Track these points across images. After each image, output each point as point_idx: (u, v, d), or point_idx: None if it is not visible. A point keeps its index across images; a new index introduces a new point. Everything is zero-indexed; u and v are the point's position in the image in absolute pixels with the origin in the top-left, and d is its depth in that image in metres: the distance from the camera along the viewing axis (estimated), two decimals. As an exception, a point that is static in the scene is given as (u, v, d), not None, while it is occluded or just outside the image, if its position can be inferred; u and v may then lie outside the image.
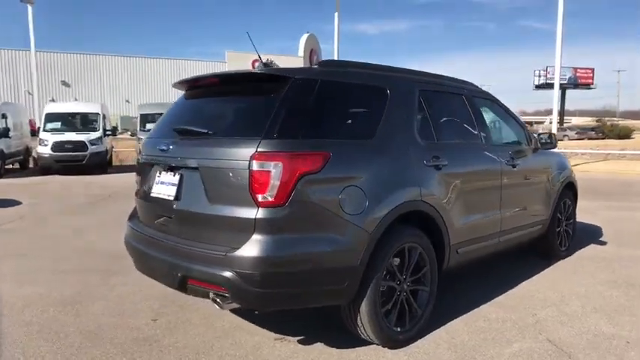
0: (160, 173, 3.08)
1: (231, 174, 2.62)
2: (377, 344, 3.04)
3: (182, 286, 2.79)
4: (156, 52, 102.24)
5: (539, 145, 4.68)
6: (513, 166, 4.18)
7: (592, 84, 61.91)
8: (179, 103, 3.49)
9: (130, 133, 19.54)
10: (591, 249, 5.66)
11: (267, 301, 2.65)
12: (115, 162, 18.63)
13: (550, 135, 4.73)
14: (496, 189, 3.95)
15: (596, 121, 55.52)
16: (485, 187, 3.84)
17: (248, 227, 2.55)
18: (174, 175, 2.95)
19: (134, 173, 3.66)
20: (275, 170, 2.50)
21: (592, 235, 6.30)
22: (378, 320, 2.91)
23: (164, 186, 3.00)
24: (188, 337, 3.25)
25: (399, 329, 3.06)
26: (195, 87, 3.42)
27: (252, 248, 2.52)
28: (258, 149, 2.53)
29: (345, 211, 2.71)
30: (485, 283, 4.32)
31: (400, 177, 3.05)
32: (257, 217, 2.52)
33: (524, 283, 4.38)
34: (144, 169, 3.33)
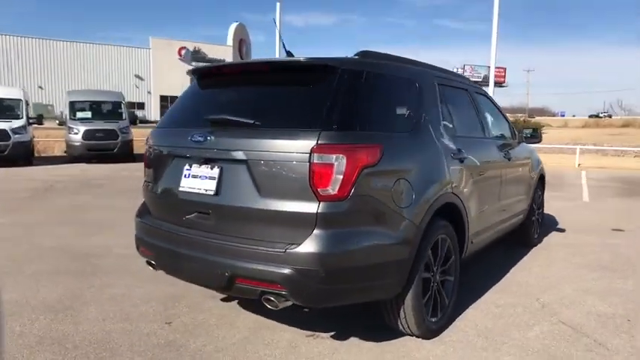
0: (189, 166, 2.85)
1: (287, 167, 2.49)
2: (414, 336, 3.06)
3: (228, 286, 2.62)
4: (71, 35, 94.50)
5: (523, 139, 4.95)
6: (508, 159, 4.39)
7: (504, 82, 66.46)
8: (197, 92, 3.26)
9: (57, 122, 17.92)
10: (555, 236, 6.11)
11: (327, 297, 2.57)
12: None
13: (535, 129, 5.01)
14: (497, 180, 4.12)
15: (529, 116, 60.47)
16: (491, 179, 3.99)
17: (308, 222, 2.45)
18: (211, 169, 2.74)
19: (143, 166, 3.37)
20: (337, 163, 2.42)
21: (551, 223, 6.80)
22: (421, 312, 2.93)
23: (198, 180, 2.79)
24: (214, 340, 3.06)
25: (433, 319, 3.11)
26: (220, 74, 3.20)
27: (314, 244, 2.43)
28: (319, 141, 2.43)
29: (397, 204, 2.70)
30: (479, 273, 4.49)
31: (436, 170, 3.08)
32: (319, 211, 2.43)
33: (512, 270, 4.63)
34: (161, 162, 3.08)
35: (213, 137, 2.72)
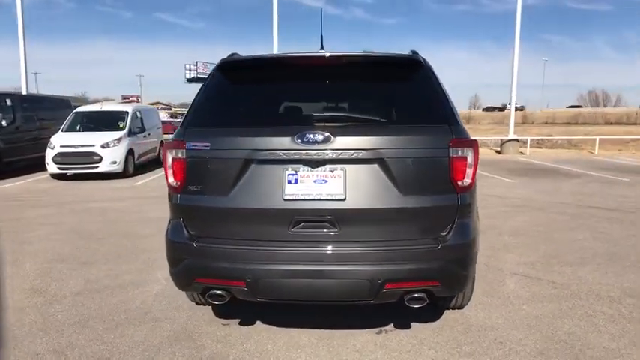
0: (294, 171, 2.49)
1: (428, 163, 2.51)
2: (460, 308, 3.44)
3: (377, 293, 2.46)
4: None
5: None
6: None
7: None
8: (255, 84, 2.85)
9: None
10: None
11: (466, 283, 2.70)
12: None
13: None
14: None
15: None
16: None
17: (451, 214, 2.55)
18: (332, 171, 2.47)
19: (173, 176, 2.67)
20: (469, 156, 2.58)
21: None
22: (473, 284, 3.32)
23: (314, 185, 2.47)
24: (306, 362, 2.77)
25: (466, 290, 3.54)
26: (289, 66, 2.79)
27: (460, 234, 2.56)
28: (454, 136, 2.54)
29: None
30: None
31: None
32: (459, 203, 2.56)
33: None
34: (230, 168, 2.56)
35: (333, 137, 2.46)
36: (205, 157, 2.60)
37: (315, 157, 2.49)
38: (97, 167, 11.09)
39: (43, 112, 13.76)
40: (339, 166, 2.51)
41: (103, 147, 11.18)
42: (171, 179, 2.69)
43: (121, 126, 12.15)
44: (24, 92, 16.67)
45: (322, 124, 2.55)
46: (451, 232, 2.56)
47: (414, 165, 2.52)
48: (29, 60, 16.73)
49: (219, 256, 2.57)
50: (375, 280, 2.45)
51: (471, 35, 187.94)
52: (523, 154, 18.13)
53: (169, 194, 2.77)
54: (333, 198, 2.49)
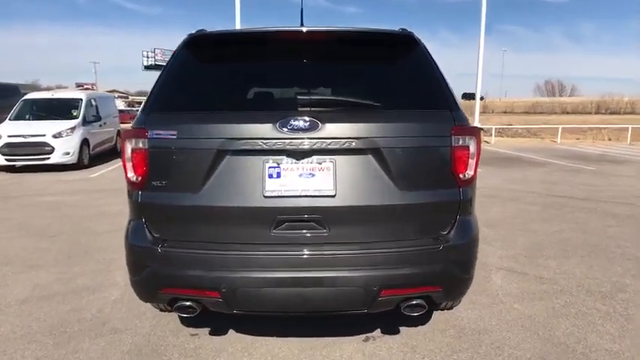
0: (276, 163, 2.14)
1: (428, 153, 2.22)
2: (450, 309, 3.18)
3: (371, 302, 2.15)
4: None
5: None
6: None
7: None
8: (226, 63, 2.49)
9: None
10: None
11: (467, 287, 2.43)
12: None
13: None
14: None
15: None
16: None
17: (453, 210, 2.28)
18: (320, 163, 2.14)
19: (132, 170, 2.27)
20: (472, 145, 2.30)
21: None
22: (466, 284, 3.09)
23: (299, 179, 2.14)
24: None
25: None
26: (266, 43, 2.43)
27: (461, 233, 2.29)
28: (456, 123, 2.25)
29: None
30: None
31: None
32: (461, 198, 2.28)
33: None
34: (200, 161, 2.19)
35: (321, 123, 2.13)
36: (171, 148, 2.20)
37: (300, 146, 2.14)
38: (49, 158, 10.33)
39: (-13, 99, 12.75)
40: (327, 158, 2.17)
41: (54, 137, 10.42)
42: (130, 173, 2.29)
43: (74, 114, 11.37)
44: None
45: (308, 109, 2.20)
46: (453, 230, 2.28)
47: (412, 155, 2.21)
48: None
49: (188, 262, 2.19)
50: (369, 288, 2.15)
51: (432, 24, 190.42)
52: (488, 142, 18.31)
53: (128, 191, 2.37)
54: (321, 194, 2.16)
